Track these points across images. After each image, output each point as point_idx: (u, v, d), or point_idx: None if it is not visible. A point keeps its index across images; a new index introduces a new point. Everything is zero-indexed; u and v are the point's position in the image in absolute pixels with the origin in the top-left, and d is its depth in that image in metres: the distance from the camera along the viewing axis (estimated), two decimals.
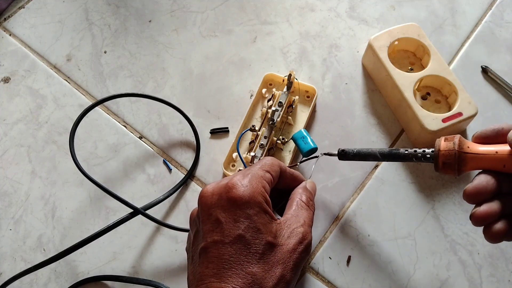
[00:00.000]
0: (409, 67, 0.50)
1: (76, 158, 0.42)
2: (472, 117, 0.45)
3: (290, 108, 0.48)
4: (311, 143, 0.42)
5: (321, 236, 0.44)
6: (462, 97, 0.45)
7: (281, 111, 0.46)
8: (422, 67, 0.49)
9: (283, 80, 0.50)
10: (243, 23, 0.56)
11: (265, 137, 0.45)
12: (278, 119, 0.45)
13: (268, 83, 0.51)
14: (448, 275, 0.42)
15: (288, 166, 0.45)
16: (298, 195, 0.38)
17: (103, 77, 0.53)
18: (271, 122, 0.45)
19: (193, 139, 0.49)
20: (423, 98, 0.49)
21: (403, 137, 0.48)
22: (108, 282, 0.42)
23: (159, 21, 0.56)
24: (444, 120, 0.44)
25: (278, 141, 0.46)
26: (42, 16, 0.57)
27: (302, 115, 0.49)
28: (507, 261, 0.42)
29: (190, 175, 0.47)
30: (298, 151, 0.45)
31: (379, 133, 0.49)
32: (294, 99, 0.48)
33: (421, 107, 0.45)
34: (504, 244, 0.43)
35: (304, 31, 0.55)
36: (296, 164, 0.44)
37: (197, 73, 0.53)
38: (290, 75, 0.47)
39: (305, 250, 0.34)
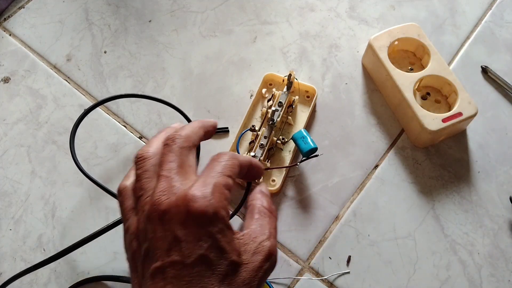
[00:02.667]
0: (409, 67, 0.50)
1: (76, 158, 0.42)
2: (472, 117, 0.45)
3: (290, 108, 0.48)
4: (311, 143, 0.42)
5: (321, 236, 0.44)
6: (462, 97, 0.45)
7: (281, 111, 0.46)
8: (422, 67, 0.49)
9: (283, 80, 0.50)
10: (243, 23, 0.56)
11: (265, 137, 0.45)
12: (278, 119, 0.45)
13: (268, 83, 0.51)
14: (448, 275, 0.42)
15: (288, 166, 0.45)
16: (259, 201, 0.35)
17: (103, 77, 0.53)
18: (271, 122, 0.45)
19: None
20: (423, 98, 0.49)
21: (403, 137, 0.48)
22: (108, 282, 0.42)
23: (159, 21, 0.56)
24: (444, 120, 0.44)
25: (278, 141, 0.46)
26: (42, 16, 0.57)
27: (302, 115, 0.49)
28: (507, 261, 0.42)
29: None
30: (298, 151, 0.45)
31: (379, 133, 0.48)
32: (294, 99, 0.48)
33: (421, 107, 0.45)
34: (504, 244, 0.43)
35: (304, 31, 0.55)
36: (296, 164, 0.44)
37: (197, 73, 0.53)
38: (290, 75, 0.47)
39: (270, 267, 0.31)
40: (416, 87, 0.47)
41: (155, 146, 0.34)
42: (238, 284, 0.29)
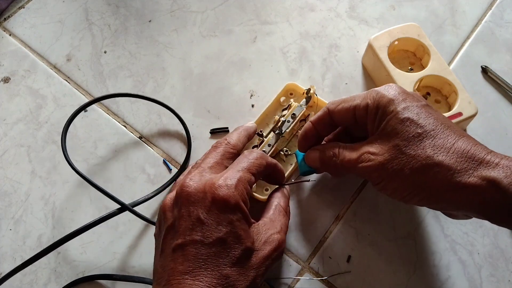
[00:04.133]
0: (409, 67, 0.50)
1: (67, 154, 0.42)
2: (472, 117, 0.45)
3: (303, 122, 0.47)
4: None
5: (321, 236, 0.44)
6: (462, 97, 0.45)
7: (292, 123, 0.45)
8: (422, 67, 0.49)
9: (303, 92, 0.48)
10: (243, 23, 0.56)
11: (269, 145, 0.44)
12: (287, 130, 0.45)
13: (289, 92, 0.49)
14: (448, 275, 0.42)
15: (283, 184, 0.44)
16: (277, 199, 0.39)
17: (103, 77, 0.53)
18: (277, 131, 0.45)
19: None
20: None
21: None
22: (102, 281, 0.42)
23: (159, 21, 0.56)
24: None
25: (281, 152, 0.45)
26: (42, 16, 0.57)
27: None
28: (507, 261, 0.42)
29: (181, 172, 0.47)
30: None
31: None
32: (309, 114, 0.47)
33: None
34: (504, 244, 0.43)
35: (304, 31, 0.55)
36: (294, 181, 0.44)
37: (197, 73, 0.53)
38: (309, 90, 0.46)
39: (278, 257, 0.35)
40: (416, 87, 0.47)
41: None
42: (248, 267, 0.32)
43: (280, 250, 0.35)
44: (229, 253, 0.32)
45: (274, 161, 0.40)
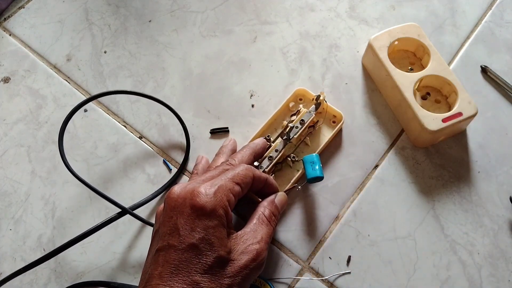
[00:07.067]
0: (409, 67, 0.50)
1: (64, 153, 0.42)
2: (472, 117, 0.45)
3: (311, 129, 0.46)
4: (318, 171, 0.41)
5: (321, 236, 0.44)
6: (462, 97, 0.45)
7: (300, 129, 0.45)
8: (422, 67, 0.49)
9: (313, 98, 0.48)
10: (243, 23, 0.56)
11: (276, 151, 0.44)
12: (295, 136, 0.44)
13: (299, 97, 0.49)
14: (448, 275, 0.42)
15: (288, 188, 0.44)
16: (262, 209, 0.38)
17: (103, 77, 0.53)
18: (285, 137, 0.44)
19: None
20: (423, 98, 0.49)
21: (403, 137, 0.48)
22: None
23: (159, 21, 0.56)
24: (444, 120, 0.44)
25: (288, 158, 0.45)
26: (42, 16, 0.57)
27: (322, 138, 0.47)
28: (507, 261, 0.42)
29: (180, 172, 0.47)
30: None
31: (379, 133, 0.48)
32: (318, 121, 0.47)
33: (421, 107, 0.45)
34: (504, 244, 0.43)
35: (304, 31, 0.55)
36: (297, 188, 0.44)
37: (197, 73, 0.53)
38: (319, 96, 0.46)
39: (257, 267, 0.34)
40: (416, 87, 0.47)
41: (219, 161, 0.42)
42: (221, 275, 0.32)
43: (259, 261, 0.34)
44: (201, 260, 0.32)
45: (265, 175, 0.40)
